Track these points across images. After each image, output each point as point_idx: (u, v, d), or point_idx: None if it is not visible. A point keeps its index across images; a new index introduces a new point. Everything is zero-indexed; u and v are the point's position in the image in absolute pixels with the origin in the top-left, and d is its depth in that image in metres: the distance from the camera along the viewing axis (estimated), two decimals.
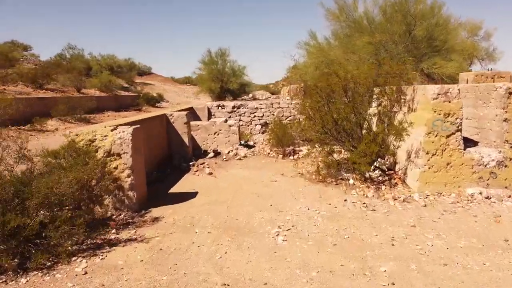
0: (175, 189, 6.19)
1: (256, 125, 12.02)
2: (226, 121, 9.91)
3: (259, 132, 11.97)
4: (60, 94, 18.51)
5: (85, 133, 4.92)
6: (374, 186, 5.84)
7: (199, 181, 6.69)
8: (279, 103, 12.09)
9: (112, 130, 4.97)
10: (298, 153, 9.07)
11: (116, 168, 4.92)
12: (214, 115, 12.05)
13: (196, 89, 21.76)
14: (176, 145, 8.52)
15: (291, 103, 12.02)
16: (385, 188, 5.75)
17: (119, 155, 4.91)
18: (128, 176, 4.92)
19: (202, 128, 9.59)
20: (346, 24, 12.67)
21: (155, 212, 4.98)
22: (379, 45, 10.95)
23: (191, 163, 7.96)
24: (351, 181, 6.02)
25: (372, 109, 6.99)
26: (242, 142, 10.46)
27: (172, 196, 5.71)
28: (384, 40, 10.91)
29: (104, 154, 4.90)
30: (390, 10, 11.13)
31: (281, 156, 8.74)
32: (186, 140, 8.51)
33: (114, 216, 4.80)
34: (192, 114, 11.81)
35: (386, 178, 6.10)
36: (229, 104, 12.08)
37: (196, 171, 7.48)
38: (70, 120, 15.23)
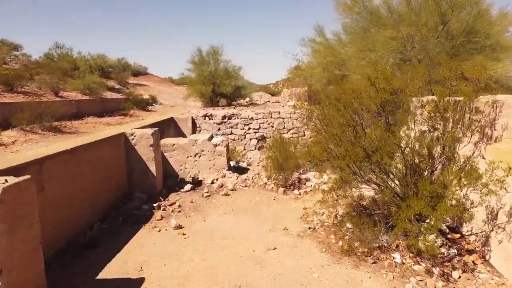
0: (111, 267, 3.75)
1: (251, 139, 9.58)
2: (211, 138, 7.47)
3: (255, 148, 9.53)
4: (32, 98, 16.00)
5: None
6: (438, 267, 3.40)
7: (157, 245, 4.25)
8: (279, 113, 9.64)
9: None
10: (305, 183, 6.63)
11: None
12: (199, 127, 9.61)
13: (186, 92, 19.23)
14: (139, 177, 6.08)
15: (294, 113, 9.57)
16: (460, 277, 3.30)
17: None
18: None
19: (179, 149, 7.14)
20: (360, 16, 10.22)
21: None
22: (404, 40, 8.49)
23: (155, 205, 5.51)
24: (398, 259, 3.57)
25: (416, 132, 4.53)
26: (233, 163, 8.02)
27: None
28: (411, 35, 8.45)
29: None
30: None
31: (282, 189, 6.29)
32: (152, 168, 6.07)
33: None
34: (173, 125, 9.37)
35: (454, 251, 3.65)
36: (218, 113, 9.63)
37: (160, 219, 5.04)
38: (36, 130, 12.73)
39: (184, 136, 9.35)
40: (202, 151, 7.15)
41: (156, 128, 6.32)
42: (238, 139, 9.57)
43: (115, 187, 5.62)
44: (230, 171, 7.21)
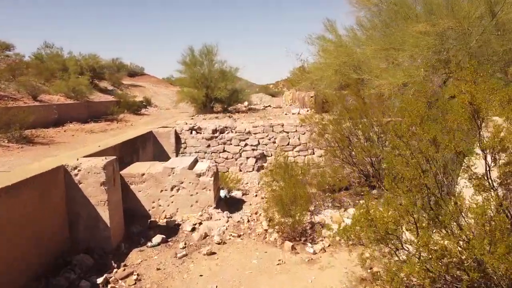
0: None
1: (248, 158, 7.66)
2: (194, 163, 5.57)
3: (253, 169, 7.62)
4: (5, 103, 14.02)
5: None
6: None
7: None
8: (282, 125, 7.72)
9: None
10: (321, 232, 4.72)
11: None
12: (185, 143, 7.69)
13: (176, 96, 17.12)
14: (85, 230, 4.17)
15: (300, 125, 7.65)
16: None
17: None
18: None
19: (151, 180, 5.24)
20: (380, 8, 8.30)
21: None
22: (443, 37, 6.56)
23: (100, 280, 3.59)
24: None
25: None
26: (224, 192, 6.14)
27: None
28: (451, 28, 6.53)
29: None
30: None
31: (290, 244, 4.37)
32: (105, 216, 4.17)
33: None
34: (152, 142, 7.45)
35: None
36: (208, 126, 7.71)
37: None
38: (2, 142, 10.79)
39: (166, 155, 7.45)
40: (181, 183, 5.24)
41: (112, 157, 4.41)
42: (232, 158, 7.65)
43: (42, 252, 3.71)
44: (219, 209, 5.30)
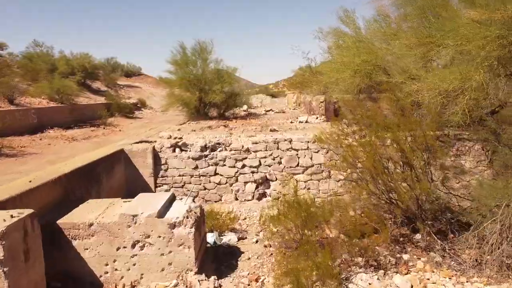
0: None
1: (246, 183, 5.93)
2: (168, 204, 3.86)
3: (253, 197, 5.89)
4: None
5: None
6: None
7: None
8: (290, 141, 5.98)
9: None
10: None
11: None
12: (166, 163, 5.96)
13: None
14: None
15: (313, 141, 5.91)
16: None
17: None
18: None
19: (102, 233, 3.51)
20: None
21: None
22: (508, 26, 4.82)
23: None
24: None
25: None
26: (213, 237, 4.43)
27: None
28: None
29: None
30: None
31: None
32: None
33: None
34: (124, 163, 5.74)
35: None
36: (196, 142, 5.98)
37: None
38: None
39: (142, 181, 5.72)
40: (148, 237, 3.52)
41: (25, 213, 2.68)
42: (226, 183, 5.92)
43: None
44: (202, 275, 3.57)
